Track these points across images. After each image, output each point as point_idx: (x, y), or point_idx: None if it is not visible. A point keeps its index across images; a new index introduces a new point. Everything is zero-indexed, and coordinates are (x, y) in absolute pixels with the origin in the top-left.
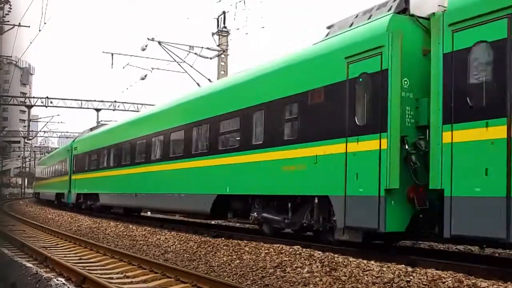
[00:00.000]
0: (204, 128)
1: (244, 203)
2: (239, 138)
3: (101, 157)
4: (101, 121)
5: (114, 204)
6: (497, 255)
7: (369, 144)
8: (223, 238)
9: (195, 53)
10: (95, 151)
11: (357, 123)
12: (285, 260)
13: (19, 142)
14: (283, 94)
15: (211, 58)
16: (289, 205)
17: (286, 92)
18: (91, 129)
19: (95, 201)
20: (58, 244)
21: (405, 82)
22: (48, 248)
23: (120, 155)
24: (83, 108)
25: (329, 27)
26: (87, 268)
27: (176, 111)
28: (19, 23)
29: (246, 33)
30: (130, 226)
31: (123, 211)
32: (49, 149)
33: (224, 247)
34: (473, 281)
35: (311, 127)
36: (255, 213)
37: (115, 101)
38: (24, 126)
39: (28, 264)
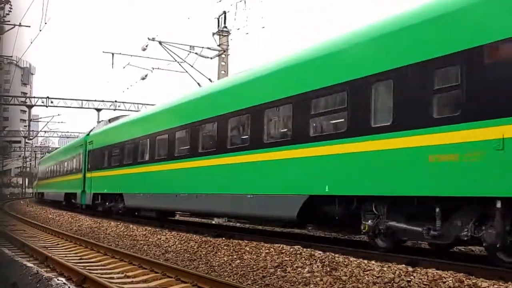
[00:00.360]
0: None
1: (346, 208)
2: (344, 120)
3: (127, 152)
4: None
5: (144, 206)
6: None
7: None
8: (223, 238)
9: (196, 53)
10: (118, 145)
11: None
12: (285, 260)
13: (19, 142)
14: None
15: (211, 58)
16: (437, 210)
17: None
18: (110, 121)
19: (117, 202)
20: (58, 244)
21: None
22: (49, 248)
23: (155, 148)
24: (83, 108)
25: None
26: (87, 268)
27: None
28: (20, 23)
29: (247, 33)
30: (131, 226)
31: (156, 214)
32: (50, 148)
33: (225, 247)
34: (473, 281)
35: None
36: (369, 221)
37: (115, 101)
38: (25, 126)
39: (29, 264)
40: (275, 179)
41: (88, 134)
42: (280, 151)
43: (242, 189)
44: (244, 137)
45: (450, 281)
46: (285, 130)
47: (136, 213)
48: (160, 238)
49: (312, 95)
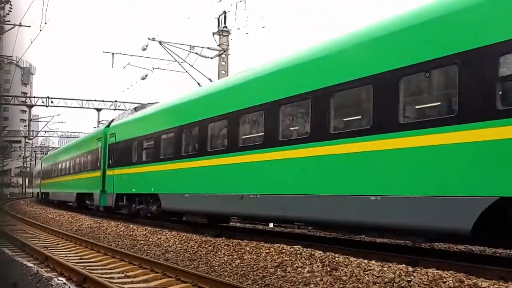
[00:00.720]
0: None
1: None
2: None
3: (166, 144)
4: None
5: (191, 209)
6: (497, 255)
7: None
8: (223, 238)
9: (196, 53)
10: (153, 136)
11: None
12: (285, 260)
13: (19, 142)
14: None
15: (211, 58)
16: None
17: None
18: (136, 109)
19: (149, 204)
20: (58, 244)
21: None
22: (49, 248)
23: (207, 137)
24: (83, 108)
25: None
26: (87, 268)
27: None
28: (20, 23)
29: (247, 33)
30: (131, 226)
31: (208, 220)
32: (50, 148)
33: (225, 247)
34: (474, 281)
35: None
36: None
37: (116, 101)
38: (25, 126)
39: (29, 264)
40: (425, 175)
41: (108, 126)
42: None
43: (366, 190)
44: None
45: (450, 281)
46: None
47: (175, 218)
48: (160, 238)
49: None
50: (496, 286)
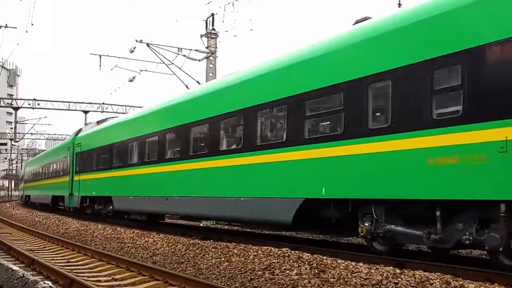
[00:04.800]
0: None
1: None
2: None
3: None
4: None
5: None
6: (484, 256)
7: None
8: (211, 240)
9: (184, 55)
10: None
11: None
12: (273, 262)
13: (5, 144)
14: None
15: (199, 60)
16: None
17: None
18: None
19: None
20: (45, 247)
21: None
22: (35, 251)
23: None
24: (70, 110)
25: None
26: (74, 271)
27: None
28: (6, 25)
29: (235, 35)
30: (118, 228)
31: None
32: (36, 151)
33: (213, 249)
34: (460, 282)
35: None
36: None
37: (103, 103)
38: (11, 128)
39: (15, 267)
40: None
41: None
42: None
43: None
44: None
45: (437, 283)
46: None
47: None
48: (148, 241)
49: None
50: (482, 287)
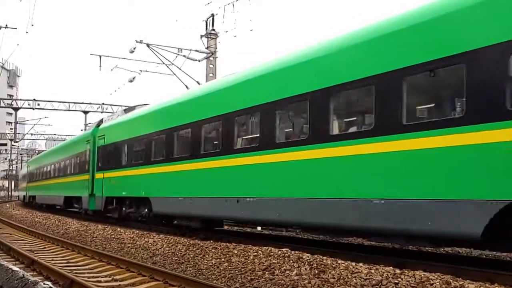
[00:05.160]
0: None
1: None
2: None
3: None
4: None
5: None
6: (484, 256)
7: None
8: (211, 241)
9: (184, 56)
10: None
11: None
12: (273, 263)
13: (5, 144)
14: None
15: (199, 61)
16: None
17: None
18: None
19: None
20: (45, 248)
21: None
22: (35, 252)
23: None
24: (70, 110)
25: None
26: (74, 271)
27: None
28: (6, 25)
29: (235, 36)
30: (118, 229)
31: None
32: (36, 151)
33: (213, 250)
34: (460, 282)
35: None
36: None
37: (103, 104)
38: (11, 129)
39: (15, 268)
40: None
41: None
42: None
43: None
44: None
45: (437, 283)
46: None
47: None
48: (148, 241)
49: None
50: (482, 287)
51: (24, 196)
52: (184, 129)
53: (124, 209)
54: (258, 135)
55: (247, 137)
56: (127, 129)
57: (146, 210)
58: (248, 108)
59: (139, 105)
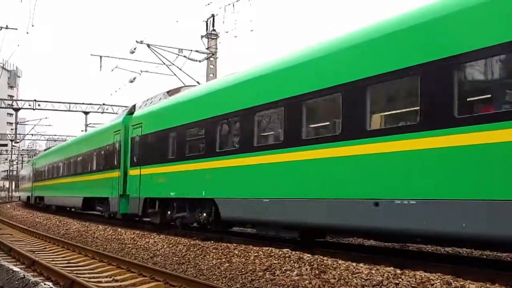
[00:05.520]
0: None
1: None
2: None
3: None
4: (89, 124)
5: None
6: (484, 257)
7: None
8: (212, 241)
9: (184, 56)
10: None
11: None
12: (274, 263)
13: (6, 145)
14: None
15: (200, 61)
16: None
17: None
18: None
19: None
20: (46, 248)
21: None
22: (36, 252)
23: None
24: (71, 111)
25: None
26: (75, 272)
27: None
28: (7, 26)
29: (235, 36)
30: (119, 229)
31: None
32: (37, 152)
33: (214, 250)
34: (461, 283)
35: None
36: None
37: (103, 104)
38: (12, 129)
39: (15, 268)
40: None
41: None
42: None
43: None
44: None
45: (438, 283)
46: None
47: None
48: (149, 242)
49: None
50: None
51: (28, 197)
52: (276, 107)
53: (169, 212)
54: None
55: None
56: (178, 113)
57: (205, 214)
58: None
59: (184, 86)
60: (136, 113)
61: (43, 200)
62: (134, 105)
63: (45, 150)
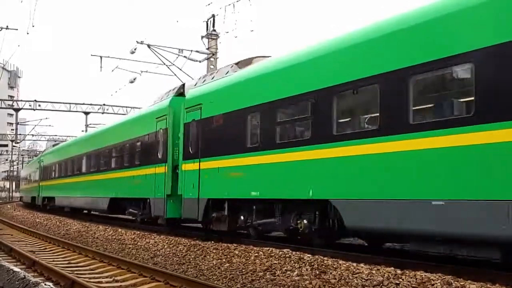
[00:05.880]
0: None
1: None
2: None
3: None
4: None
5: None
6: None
7: None
8: (212, 242)
9: (185, 56)
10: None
11: None
12: (274, 263)
13: (6, 145)
14: None
15: (200, 61)
16: None
17: None
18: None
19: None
20: (46, 248)
21: None
22: (36, 252)
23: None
24: (71, 111)
25: None
26: (75, 272)
27: None
28: (7, 26)
29: (235, 36)
30: (119, 230)
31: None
32: (37, 152)
33: (214, 251)
34: (461, 283)
35: None
36: None
37: (104, 104)
38: (12, 130)
39: (16, 269)
40: None
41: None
42: None
43: None
44: None
45: (438, 284)
46: None
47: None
48: (149, 242)
49: None
50: None
51: (33, 198)
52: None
53: (242, 218)
54: None
55: None
56: (266, 87)
57: (306, 221)
58: None
59: (258, 56)
60: (191, 93)
61: (53, 201)
62: (183, 85)
63: (53, 145)
